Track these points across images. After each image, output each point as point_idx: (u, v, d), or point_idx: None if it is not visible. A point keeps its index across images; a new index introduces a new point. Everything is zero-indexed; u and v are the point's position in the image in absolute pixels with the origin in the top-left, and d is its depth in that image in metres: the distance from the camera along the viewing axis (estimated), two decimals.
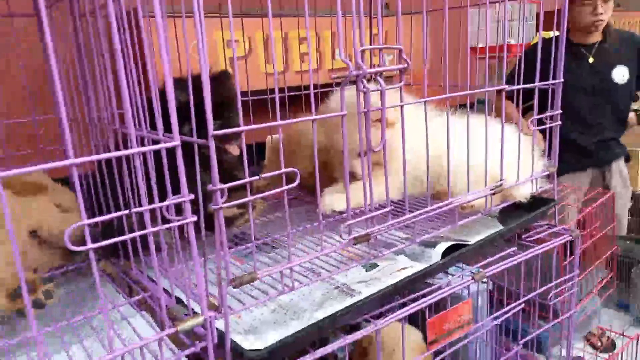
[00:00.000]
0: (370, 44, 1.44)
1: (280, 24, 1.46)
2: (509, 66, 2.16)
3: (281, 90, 1.38)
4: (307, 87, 1.38)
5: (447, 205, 0.89)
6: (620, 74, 2.08)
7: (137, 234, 0.52)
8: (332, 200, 1.00)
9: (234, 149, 1.04)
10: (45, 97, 1.01)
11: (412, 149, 0.99)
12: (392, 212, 0.81)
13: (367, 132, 0.75)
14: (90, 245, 0.47)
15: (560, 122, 1.08)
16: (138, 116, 0.62)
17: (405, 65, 0.75)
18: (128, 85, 0.55)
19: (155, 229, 0.52)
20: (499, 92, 0.95)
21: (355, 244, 0.76)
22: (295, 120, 0.69)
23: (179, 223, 0.52)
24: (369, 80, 0.72)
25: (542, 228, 1.11)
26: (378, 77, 0.73)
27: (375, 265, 0.88)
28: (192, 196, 0.53)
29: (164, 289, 0.68)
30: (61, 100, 0.42)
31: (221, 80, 0.97)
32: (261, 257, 0.94)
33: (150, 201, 0.58)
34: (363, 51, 0.70)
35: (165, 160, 0.55)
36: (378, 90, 0.74)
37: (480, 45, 2.36)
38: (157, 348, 0.56)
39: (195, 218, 0.53)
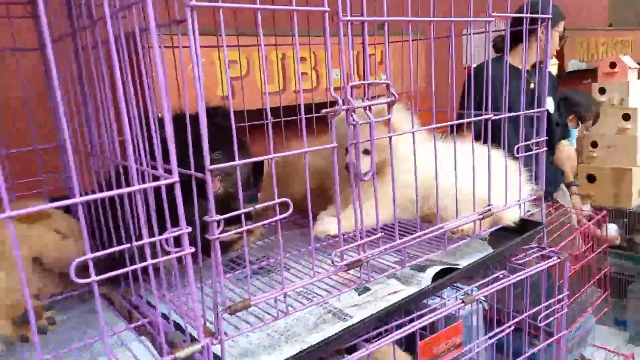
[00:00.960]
0: (364, 69, 1.50)
1: (276, 44, 1.48)
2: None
3: (278, 110, 1.39)
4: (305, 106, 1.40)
5: (437, 230, 0.92)
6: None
7: (138, 266, 0.55)
8: (326, 224, 1.03)
9: (215, 185, 1.05)
10: (43, 124, 1.05)
11: (404, 174, 1.03)
12: (383, 237, 0.84)
13: (357, 162, 0.78)
14: (94, 277, 0.50)
15: (545, 149, 1.12)
16: (138, 148, 0.65)
17: (393, 98, 0.79)
18: (129, 121, 0.59)
19: (155, 260, 0.55)
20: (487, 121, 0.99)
21: (347, 270, 0.79)
22: (287, 153, 0.72)
23: (177, 255, 0.55)
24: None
25: (532, 250, 1.14)
26: (367, 112, 0.77)
27: (367, 289, 0.90)
28: (190, 229, 0.56)
29: (162, 314, 0.70)
30: (68, 143, 0.45)
31: (217, 114, 1.01)
32: (257, 282, 0.96)
33: (150, 232, 0.61)
34: (352, 87, 0.74)
35: (164, 194, 0.58)
36: (367, 122, 0.77)
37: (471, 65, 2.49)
38: None
39: (192, 250, 0.56)
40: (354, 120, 0.75)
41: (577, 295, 1.84)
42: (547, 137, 2.12)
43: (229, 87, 0.65)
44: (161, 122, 0.61)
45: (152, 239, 0.55)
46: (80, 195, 0.48)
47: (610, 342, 3.04)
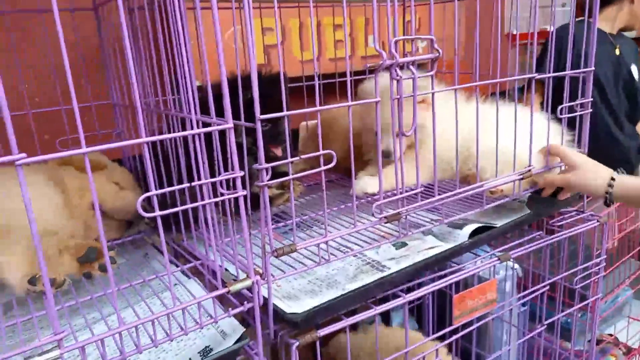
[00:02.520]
0: (404, 33, 1.49)
1: (314, 11, 1.48)
2: (538, 50, 2.16)
3: (314, 78, 1.41)
4: (340, 75, 1.42)
5: (476, 188, 0.93)
6: (635, 71, 2.08)
7: (197, 204, 0.59)
8: (365, 183, 1.06)
9: (277, 151, 1.10)
10: (94, 83, 1.10)
11: (443, 135, 1.03)
12: (422, 194, 0.86)
13: (400, 117, 0.80)
14: (158, 212, 0.54)
15: (590, 110, 1.09)
16: (194, 102, 0.69)
17: (437, 54, 0.80)
18: (190, 75, 0.62)
19: (210, 201, 0.59)
20: (530, 80, 0.98)
21: (386, 223, 0.81)
22: (333, 106, 0.75)
23: (231, 196, 0.59)
24: (401, 68, 0.77)
25: (570, 214, 1.14)
26: (410, 66, 0.78)
27: (404, 244, 0.93)
28: (243, 172, 0.60)
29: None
30: (136, 88, 0.49)
31: (278, 82, 1.02)
32: (299, 234, 1.01)
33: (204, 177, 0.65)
34: (397, 41, 0.75)
35: (217, 142, 0.62)
36: (410, 78, 0.78)
37: (514, 32, 2.35)
38: (209, 307, 0.64)
39: (245, 192, 0.60)
40: (397, 74, 0.76)
41: (615, 266, 1.81)
42: (631, 107, 2.07)
43: (279, 50, 0.67)
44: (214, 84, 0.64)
45: (210, 180, 0.59)
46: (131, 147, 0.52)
47: None
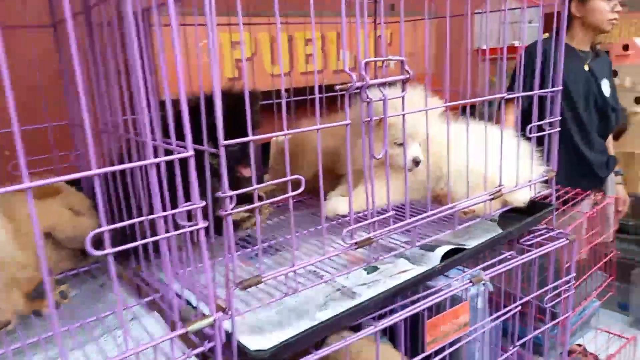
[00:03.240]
0: (375, 49, 1.48)
1: (284, 26, 1.47)
2: (509, 68, 2.19)
3: (287, 91, 1.39)
4: (312, 89, 1.40)
5: (447, 210, 0.92)
6: (606, 87, 2.11)
7: (152, 239, 0.55)
8: (336, 204, 1.03)
9: (246, 172, 1.06)
10: (54, 102, 1.04)
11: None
12: (393, 216, 0.84)
13: (370, 140, 0.78)
14: (109, 249, 0.50)
15: (559, 129, 1.10)
16: (151, 124, 0.65)
17: (408, 75, 0.78)
18: (146, 95, 0.58)
19: (168, 234, 0.55)
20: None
21: (357, 248, 0.79)
22: (300, 130, 0.71)
23: (190, 229, 0.55)
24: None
25: (540, 232, 1.14)
26: (380, 88, 0.76)
27: (376, 268, 0.90)
28: (203, 203, 0.56)
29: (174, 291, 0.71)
30: (86, 114, 0.45)
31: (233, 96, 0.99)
32: (266, 260, 0.97)
33: (163, 207, 0.61)
34: (367, 63, 0.73)
35: (177, 169, 0.58)
36: (381, 100, 0.76)
37: (483, 47, 2.39)
38: (167, 348, 0.59)
39: (206, 224, 0.56)
40: (367, 97, 0.74)
41: (582, 279, 1.83)
42: (602, 123, 2.10)
43: (243, 69, 0.64)
44: (175, 101, 0.60)
45: (166, 213, 0.54)
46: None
47: (613, 325, 3.05)
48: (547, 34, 1.93)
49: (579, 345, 2.05)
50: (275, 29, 1.39)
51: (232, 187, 0.61)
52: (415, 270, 0.89)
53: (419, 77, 1.13)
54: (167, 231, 0.60)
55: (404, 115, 0.81)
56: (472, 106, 0.98)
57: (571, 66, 2.03)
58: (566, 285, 1.12)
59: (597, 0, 1.97)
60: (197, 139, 0.62)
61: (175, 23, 0.54)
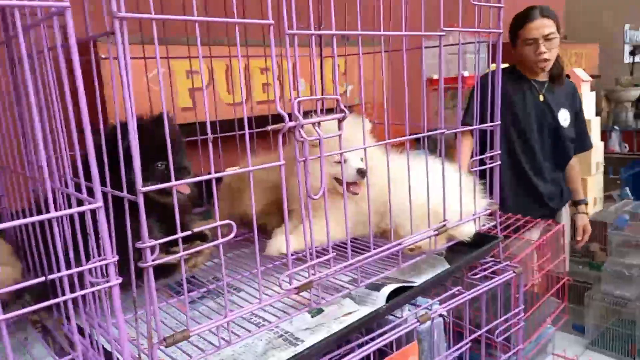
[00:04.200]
0: (322, 79, 1.48)
1: (240, 55, 1.45)
2: (464, 97, 2.22)
3: (241, 122, 1.35)
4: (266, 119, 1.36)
5: (392, 247, 0.90)
6: (564, 117, 2.11)
7: (55, 300, 0.50)
8: (281, 243, 0.99)
9: (184, 188, 1.03)
10: None
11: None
12: (336, 256, 0.81)
13: (307, 180, 0.76)
14: (2, 316, 0.44)
15: (499, 162, 1.12)
16: (63, 167, 0.61)
17: (343, 114, 0.77)
18: (45, 136, 0.54)
19: (76, 294, 0.50)
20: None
21: (297, 293, 0.75)
22: (231, 172, 0.68)
23: (103, 287, 0.50)
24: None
25: (488, 264, 1.14)
26: (316, 128, 0.75)
27: (320, 311, 0.87)
28: (117, 258, 0.52)
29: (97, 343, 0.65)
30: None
31: (162, 122, 0.97)
32: (209, 303, 0.92)
33: (77, 260, 0.56)
34: (299, 102, 0.71)
35: (89, 221, 0.54)
36: (317, 139, 0.75)
37: (434, 77, 2.45)
38: None
39: (119, 280, 0.51)
40: (301, 136, 0.72)
41: (535, 307, 1.86)
42: (557, 153, 2.10)
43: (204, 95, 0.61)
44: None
45: (69, 272, 0.50)
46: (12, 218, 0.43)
47: (569, 348, 3.10)
48: (505, 65, 1.97)
49: None
50: (231, 58, 1.36)
51: (171, 226, 0.58)
52: (361, 312, 0.86)
53: (378, 106, 1.13)
54: (83, 285, 0.55)
55: (341, 154, 0.80)
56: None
57: (525, 95, 2.05)
58: (516, 318, 1.12)
59: (521, 46, 2.02)
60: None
61: (77, 63, 0.50)
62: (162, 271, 0.93)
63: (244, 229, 1.21)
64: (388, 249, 0.89)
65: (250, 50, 1.43)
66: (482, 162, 1.09)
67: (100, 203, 0.49)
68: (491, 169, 1.11)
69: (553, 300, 2.19)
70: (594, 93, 3.73)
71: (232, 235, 0.65)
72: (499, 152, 1.12)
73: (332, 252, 0.79)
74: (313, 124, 0.74)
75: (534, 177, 2.10)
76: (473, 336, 1.03)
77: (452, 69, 2.34)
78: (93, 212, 0.53)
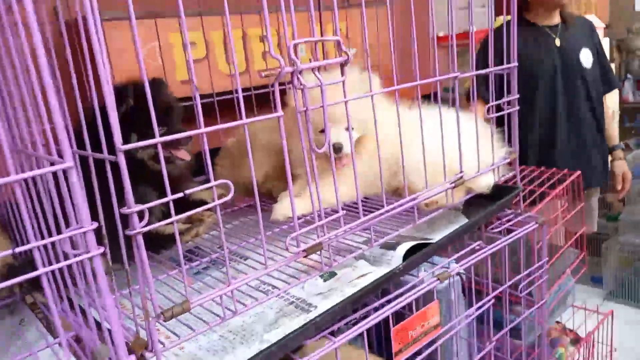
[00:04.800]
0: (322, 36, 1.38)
1: (235, 23, 1.39)
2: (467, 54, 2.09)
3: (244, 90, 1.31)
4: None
5: (407, 203, 0.84)
6: (586, 57, 1.92)
7: (31, 275, 0.44)
8: (286, 206, 0.93)
9: (183, 154, 0.97)
10: None
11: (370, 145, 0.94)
12: (346, 215, 0.75)
13: (309, 132, 0.68)
14: None
15: (518, 107, 1.04)
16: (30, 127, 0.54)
17: (346, 57, 0.69)
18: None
19: (50, 268, 0.44)
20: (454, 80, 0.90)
21: (305, 257, 0.69)
22: (222, 126, 0.61)
23: (79, 258, 0.44)
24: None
25: (508, 217, 1.07)
26: (316, 73, 0.67)
27: (333, 274, 0.81)
28: (95, 225, 0.45)
29: (95, 322, 0.60)
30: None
31: (156, 87, 0.90)
32: (215, 273, 0.87)
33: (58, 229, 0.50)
34: (296, 45, 0.63)
35: (65, 182, 0.47)
36: (318, 86, 0.67)
37: (440, 34, 2.32)
38: None
39: (100, 250, 0.45)
40: (301, 83, 0.64)
41: (555, 258, 1.80)
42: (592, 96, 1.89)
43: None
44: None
45: (41, 242, 0.44)
46: None
47: (588, 300, 3.08)
48: (501, 18, 1.81)
49: (558, 322, 2.02)
50: (227, 28, 1.31)
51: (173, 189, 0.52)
52: (376, 273, 0.80)
53: (385, 68, 1.05)
54: (64, 258, 0.49)
55: (346, 102, 0.72)
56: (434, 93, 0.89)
57: (540, 45, 1.88)
58: (540, 271, 1.06)
59: None
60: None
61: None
62: (161, 242, 0.88)
63: (249, 197, 1.15)
64: (401, 204, 0.82)
65: (247, 19, 1.36)
66: (498, 109, 1.01)
67: (69, 163, 0.43)
68: (509, 115, 1.03)
69: (572, 250, 2.13)
70: (607, 39, 3.55)
71: (231, 195, 0.59)
72: (517, 96, 1.03)
73: (342, 211, 0.72)
74: (313, 69, 0.66)
75: (560, 131, 1.90)
76: (495, 292, 0.97)
77: (457, 25, 2.22)
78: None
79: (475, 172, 0.95)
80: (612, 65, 3.78)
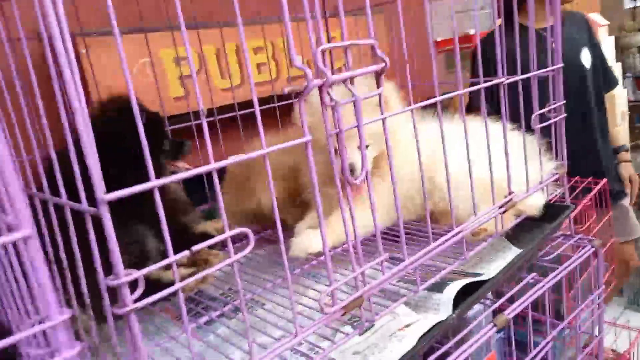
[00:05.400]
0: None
1: (233, 36, 1.29)
2: (467, 58, 1.94)
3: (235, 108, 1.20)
4: (261, 101, 1.16)
5: (454, 235, 0.70)
6: (587, 58, 1.77)
7: None
8: (307, 240, 0.80)
9: (181, 165, 0.86)
10: None
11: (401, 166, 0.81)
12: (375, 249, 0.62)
13: (343, 158, 0.55)
14: None
15: (564, 115, 0.91)
16: None
17: (383, 64, 0.56)
18: None
19: None
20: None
21: (344, 314, 0.55)
22: (237, 158, 0.48)
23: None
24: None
25: (557, 241, 0.94)
26: (348, 85, 0.53)
27: (371, 325, 0.67)
28: (67, 315, 0.32)
29: None
30: None
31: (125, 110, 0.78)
32: (223, 329, 0.73)
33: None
34: (324, 51, 0.50)
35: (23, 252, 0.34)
36: (352, 101, 0.54)
37: (439, 39, 2.20)
38: None
39: (75, 350, 0.31)
40: (332, 99, 0.51)
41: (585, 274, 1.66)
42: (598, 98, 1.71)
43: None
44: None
45: None
46: None
47: (608, 309, 2.94)
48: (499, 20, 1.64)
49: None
50: (219, 41, 1.20)
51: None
52: (423, 323, 0.66)
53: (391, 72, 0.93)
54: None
55: (384, 119, 0.59)
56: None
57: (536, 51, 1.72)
58: (597, 302, 0.92)
59: None
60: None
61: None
62: (161, 289, 0.74)
63: (257, 226, 1.01)
64: (448, 239, 0.69)
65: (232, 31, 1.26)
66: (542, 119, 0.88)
67: (27, 231, 0.29)
68: (556, 124, 0.90)
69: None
70: (612, 38, 3.44)
71: (251, 246, 0.45)
72: (564, 102, 0.90)
73: (384, 252, 0.58)
74: (344, 80, 0.53)
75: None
76: (558, 329, 0.83)
77: (452, 30, 2.10)
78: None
79: (524, 192, 0.82)
80: (619, 65, 3.68)
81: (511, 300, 0.75)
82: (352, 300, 0.55)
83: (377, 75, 0.57)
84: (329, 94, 0.51)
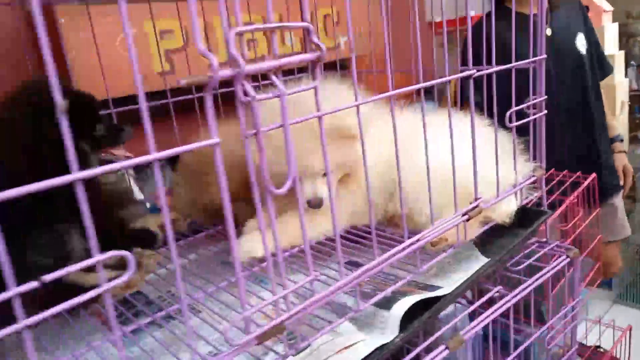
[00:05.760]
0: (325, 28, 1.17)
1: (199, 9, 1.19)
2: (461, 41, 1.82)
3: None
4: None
5: (407, 247, 0.62)
6: (582, 43, 1.66)
7: None
8: (252, 244, 0.72)
9: (119, 152, 0.79)
10: None
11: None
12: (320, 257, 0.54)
13: (263, 164, 0.47)
14: None
15: (545, 111, 0.82)
16: None
17: (319, 53, 0.47)
18: None
19: None
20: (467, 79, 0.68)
21: (259, 344, 0.48)
22: (180, 149, 0.40)
23: None
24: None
25: (530, 248, 0.86)
26: (273, 77, 0.45)
27: (306, 346, 0.60)
28: None
29: None
30: None
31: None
32: (155, 332, 0.66)
33: None
34: (240, 34, 0.42)
35: None
36: (276, 96, 0.45)
37: (437, 20, 2.07)
38: None
39: None
40: (247, 94, 0.43)
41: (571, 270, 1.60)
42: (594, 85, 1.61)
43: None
44: None
45: None
46: None
47: (597, 304, 2.90)
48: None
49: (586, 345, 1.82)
50: (208, 14, 1.11)
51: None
52: (368, 343, 0.59)
53: (379, 59, 0.84)
54: None
55: (320, 117, 0.50)
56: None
57: (527, 35, 1.60)
58: (571, 315, 0.85)
59: None
60: None
61: None
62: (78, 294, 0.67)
63: (208, 222, 0.94)
64: (399, 250, 0.61)
65: (210, 5, 1.16)
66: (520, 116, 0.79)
67: None
68: (534, 121, 0.82)
69: (587, 261, 1.94)
70: (616, 24, 3.30)
71: (131, 272, 0.38)
72: (545, 97, 0.82)
73: (314, 271, 0.51)
74: (270, 70, 0.44)
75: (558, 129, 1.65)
76: (521, 348, 0.76)
77: (453, 10, 1.97)
78: None
79: (494, 198, 0.74)
80: (622, 53, 3.55)
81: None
82: (267, 330, 0.47)
83: (312, 64, 0.48)
84: (244, 86, 0.42)
